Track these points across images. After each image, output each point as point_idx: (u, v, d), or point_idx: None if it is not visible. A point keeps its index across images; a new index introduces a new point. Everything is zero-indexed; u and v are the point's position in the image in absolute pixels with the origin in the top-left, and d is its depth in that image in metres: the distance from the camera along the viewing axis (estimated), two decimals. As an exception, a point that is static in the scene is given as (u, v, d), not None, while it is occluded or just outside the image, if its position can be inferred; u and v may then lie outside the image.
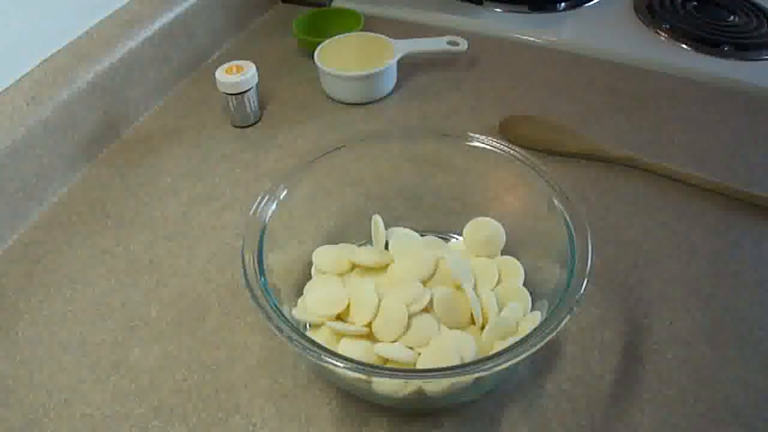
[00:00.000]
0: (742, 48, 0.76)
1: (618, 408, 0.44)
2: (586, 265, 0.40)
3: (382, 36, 0.75)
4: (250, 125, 0.70)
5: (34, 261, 0.56)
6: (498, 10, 0.87)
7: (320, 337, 0.44)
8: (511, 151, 0.48)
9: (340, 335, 0.44)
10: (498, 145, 0.49)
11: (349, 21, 0.81)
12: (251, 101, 0.69)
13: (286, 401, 0.45)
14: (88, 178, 0.64)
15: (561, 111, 0.70)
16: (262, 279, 0.41)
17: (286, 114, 0.72)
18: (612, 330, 0.49)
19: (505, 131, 0.67)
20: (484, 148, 0.49)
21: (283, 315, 0.39)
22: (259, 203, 0.46)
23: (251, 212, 0.45)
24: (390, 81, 0.73)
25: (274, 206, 0.46)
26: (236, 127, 0.70)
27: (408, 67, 0.76)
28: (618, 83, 0.74)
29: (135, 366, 0.48)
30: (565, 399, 0.45)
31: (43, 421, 0.45)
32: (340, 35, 0.75)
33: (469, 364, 0.36)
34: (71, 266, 0.56)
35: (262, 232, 0.44)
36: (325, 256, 0.50)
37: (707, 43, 0.77)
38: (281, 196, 0.47)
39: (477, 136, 0.50)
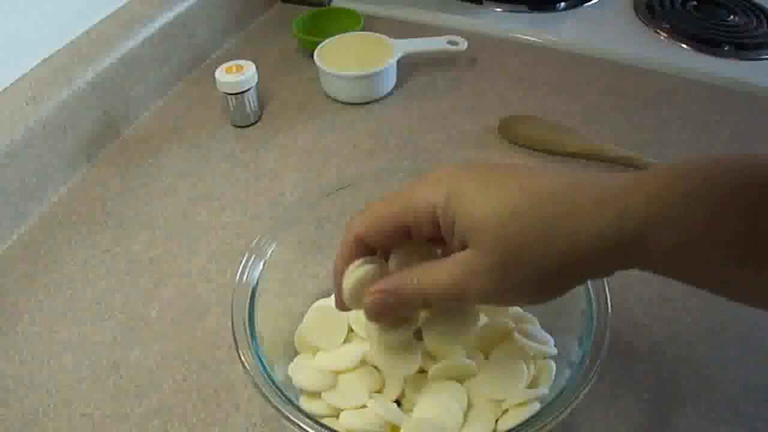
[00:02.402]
0: (742, 48, 0.76)
1: (618, 408, 0.44)
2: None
3: (382, 36, 0.75)
4: (250, 125, 0.70)
5: (34, 261, 0.56)
6: (498, 9, 0.87)
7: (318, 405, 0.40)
8: None
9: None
10: None
11: (349, 21, 0.81)
12: (251, 101, 0.69)
13: (286, 401, 0.45)
14: (88, 178, 0.64)
15: (561, 111, 0.70)
16: (254, 343, 0.38)
17: (286, 114, 0.72)
18: (612, 330, 0.49)
19: (505, 131, 0.67)
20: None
21: (277, 387, 0.36)
22: (246, 262, 0.42)
23: (238, 276, 0.41)
24: (390, 81, 0.73)
25: (261, 265, 0.42)
26: (236, 126, 0.70)
27: (408, 67, 0.75)
28: (618, 83, 0.74)
29: (135, 366, 0.48)
30: (565, 399, 0.45)
31: (43, 421, 0.45)
32: (340, 35, 0.75)
33: None
34: (71, 266, 0.56)
35: (252, 295, 0.40)
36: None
37: (707, 42, 0.77)
38: (268, 254, 0.43)
39: None
